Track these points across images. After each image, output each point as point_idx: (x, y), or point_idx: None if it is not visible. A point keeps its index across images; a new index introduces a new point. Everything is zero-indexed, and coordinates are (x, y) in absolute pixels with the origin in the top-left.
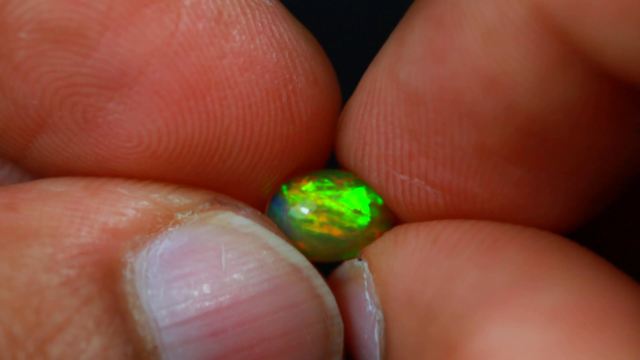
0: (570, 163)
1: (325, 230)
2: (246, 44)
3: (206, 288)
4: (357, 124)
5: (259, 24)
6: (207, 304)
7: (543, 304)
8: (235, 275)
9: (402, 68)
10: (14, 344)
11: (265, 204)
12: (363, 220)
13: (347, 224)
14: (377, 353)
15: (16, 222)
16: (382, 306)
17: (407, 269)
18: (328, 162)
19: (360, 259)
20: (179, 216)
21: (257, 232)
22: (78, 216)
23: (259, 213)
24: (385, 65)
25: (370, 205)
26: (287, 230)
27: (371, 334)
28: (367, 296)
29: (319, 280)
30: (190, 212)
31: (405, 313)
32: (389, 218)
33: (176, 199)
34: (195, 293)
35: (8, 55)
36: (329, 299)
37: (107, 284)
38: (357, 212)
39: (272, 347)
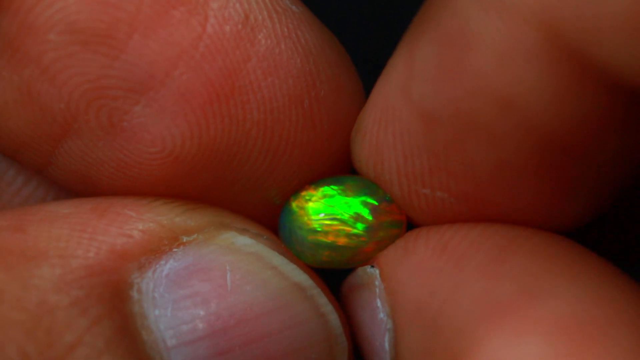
0: (590, 169)
1: (332, 239)
2: (271, 49)
3: (213, 307)
4: (373, 139)
5: (285, 29)
6: (214, 323)
7: (545, 316)
8: (240, 295)
9: (415, 87)
10: None
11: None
12: (368, 226)
13: (353, 231)
14: None
15: (25, 243)
16: (392, 315)
17: (416, 279)
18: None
19: (372, 266)
20: (184, 239)
21: (260, 251)
22: (86, 237)
23: (264, 235)
24: (396, 83)
25: (375, 208)
26: (295, 241)
27: (382, 342)
28: (379, 304)
29: (322, 299)
30: (195, 235)
31: (413, 323)
32: (398, 220)
33: (182, 221)
34: (202, 313)
35: (37, 58)
36: (333, 318)
37: (116, 305)
38: (362, 217)
39: None
